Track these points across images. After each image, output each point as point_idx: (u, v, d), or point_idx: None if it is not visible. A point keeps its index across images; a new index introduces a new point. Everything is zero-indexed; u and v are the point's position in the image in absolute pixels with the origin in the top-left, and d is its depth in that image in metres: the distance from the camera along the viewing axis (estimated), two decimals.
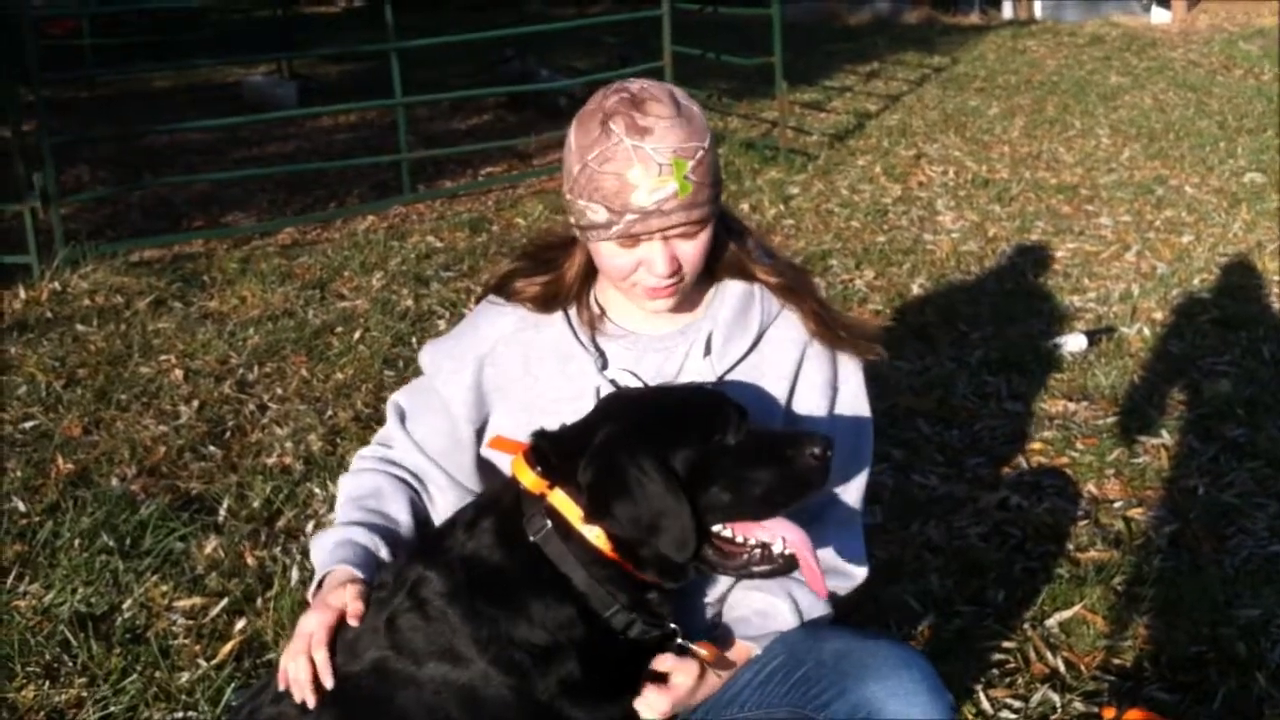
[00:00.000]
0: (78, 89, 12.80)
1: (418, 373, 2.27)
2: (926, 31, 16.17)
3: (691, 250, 2.00)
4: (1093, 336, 5.14)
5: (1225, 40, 14.05)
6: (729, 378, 2.09)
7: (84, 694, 2.92)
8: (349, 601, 1.90)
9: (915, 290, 5.92)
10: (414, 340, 5.28)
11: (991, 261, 6.37)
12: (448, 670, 1.81)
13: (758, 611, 2.06)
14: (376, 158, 8.94)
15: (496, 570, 1.86)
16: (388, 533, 2.08)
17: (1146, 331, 5.25)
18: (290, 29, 16.19)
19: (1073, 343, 5.08)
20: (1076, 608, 3.20)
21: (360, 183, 8.72)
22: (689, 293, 2.08)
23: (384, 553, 2.03)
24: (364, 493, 2.15)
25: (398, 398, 2.25)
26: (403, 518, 2.12)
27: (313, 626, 1.88)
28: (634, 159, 1.93)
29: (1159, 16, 16.57)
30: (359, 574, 1.97)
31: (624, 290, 2.06)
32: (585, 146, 1.97)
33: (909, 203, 7.64)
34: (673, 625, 1.91)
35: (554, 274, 2.13)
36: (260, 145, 10.46)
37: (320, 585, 2.00)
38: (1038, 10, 17.52)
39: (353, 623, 1.88)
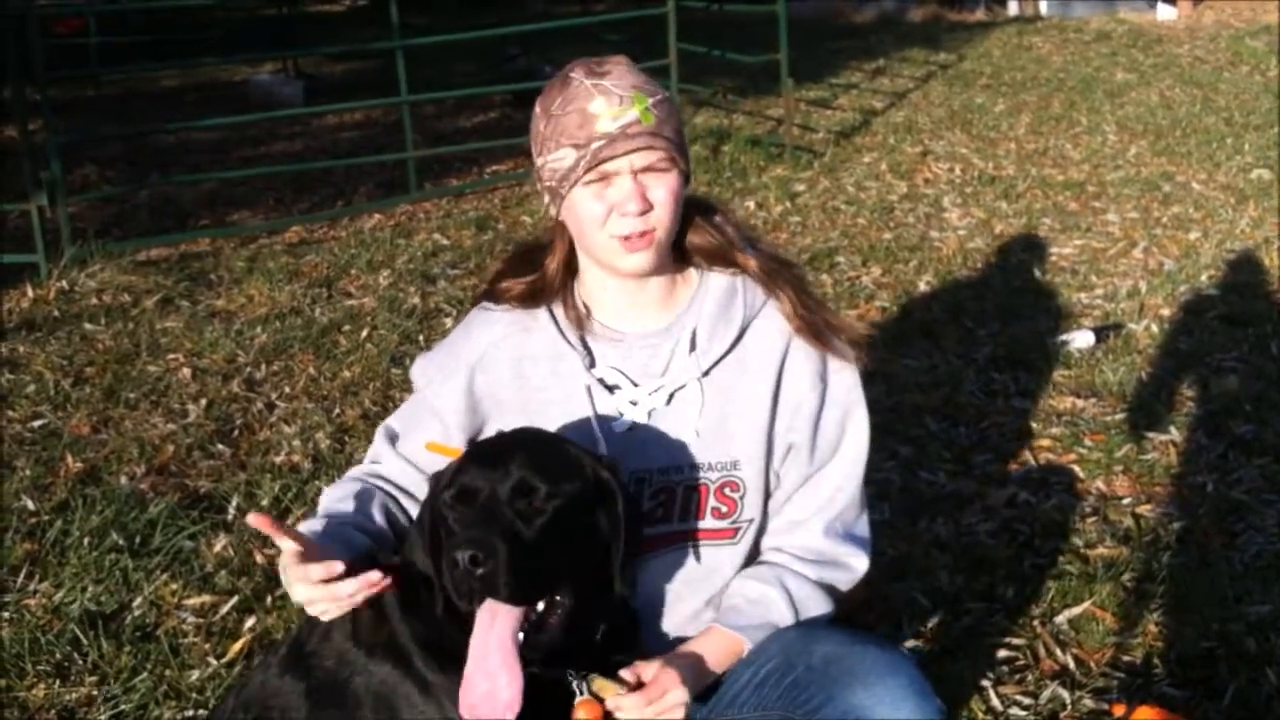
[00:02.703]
0: (84, 88, 12.82)
1: None
2: (932, 28, 16.15)
3: (661, 192, 2.00)
4: (1100, 333, 5.13)
5: (1231, 36, 14.01)
6: (714, 372, 2.09)
7: (94, 692, 2.93)
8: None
9: (922, 287, 5.92)
10: (421, 338, 5.28)
11: (998, 258, 6.37)
12: (388, 662, 1.89)
13: (750, 600, 2.07)
14: (382, 156, 8.96)
15: (415, 570, 1.93)
16: (354, 522, 2.07)
17: (1154, 328, 5.25)
18: (295, 27, 16.20)
19: (1080, 339, 5.08)
20: (1086, 604, 3.20)
21: (366, 181, 8.73)
22: (666, 262, 2.08)
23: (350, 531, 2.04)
24: (333, 501, 2.14)
25: (389, 421, 2.24)
26: (376, 516, 2.10)
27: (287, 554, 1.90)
28: (595, 93, 1.97)
29: (1165, 13, 16.53)
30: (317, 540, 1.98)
31: (602, 250, 2.04)
32: (548, 103, 2.03)
33: (915, 200, 7.64)
34: (570, 670, 1.88)
35: (537, 272, 2.15)
36: (267, 144, 10.47)
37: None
38: (1043, 7, 17.48)
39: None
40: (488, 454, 1.89)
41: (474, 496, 1.82)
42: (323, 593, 1.86)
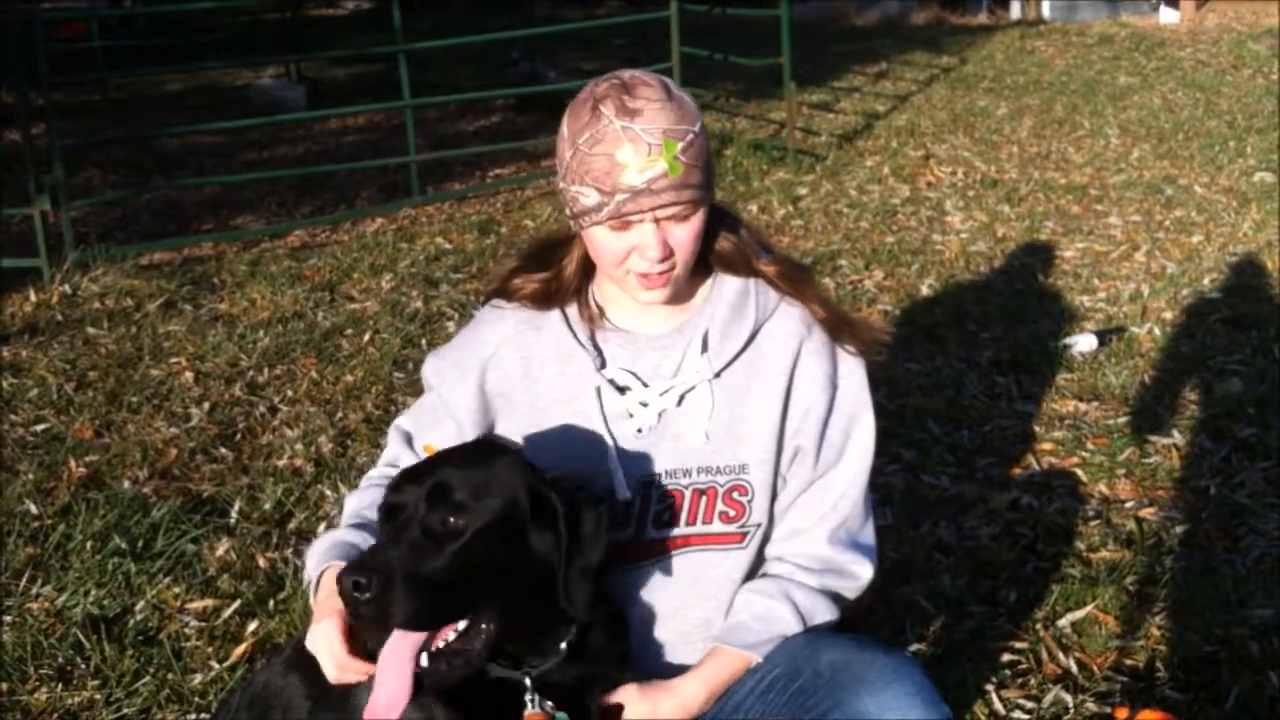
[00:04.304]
0: (88, 92, 12.84)
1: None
2: (934, 32, 16.16)
3: (684, 235, 1.99)
4: (1103, 336, 5.13)
5: (1234, 40, 14.02)
6: (725, 374, 2.07)
7: (96, 696, 2.92)
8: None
9: (924, 291, 5.92)
10: (424, 342, 5.28)
11: (1001, 262, 6.37)
12: None
13: (756, 616, 2.04)
14: (385, 160, 8.97)
15: None
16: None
17: (1157, 331, 5.24)
18: (298, 32, 16.22)
19: (1083, 343, 5.07)
20: (1089, 608, 3.20)
21: (369, 185, 8.74)
22: (683, 285, 2.07)
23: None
24: (362, 506, 2.13)
25: (400, 422, 2.23)
26: None
27: (327, 643, 1.89)
28: (623, 139, 1.93)
29: (1167, 16, 16.55)
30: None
31: (618, 280, 2.05)
32: (576, 131, 1.98)
33: (918, 203, 7.64)
34: (530, 673, 1.85)
35: (553, 271, 2.13)
36: (269, 148, 10.49)
37: (318, 585, 2.01)
38: (1046, 10, 17.50)
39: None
40: (417, 471, 1.84)
41: (397, 514, 1.78)
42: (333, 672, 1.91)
